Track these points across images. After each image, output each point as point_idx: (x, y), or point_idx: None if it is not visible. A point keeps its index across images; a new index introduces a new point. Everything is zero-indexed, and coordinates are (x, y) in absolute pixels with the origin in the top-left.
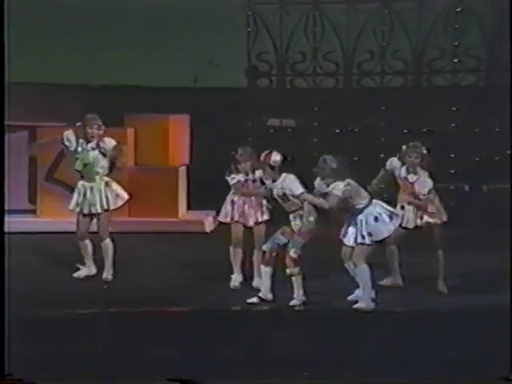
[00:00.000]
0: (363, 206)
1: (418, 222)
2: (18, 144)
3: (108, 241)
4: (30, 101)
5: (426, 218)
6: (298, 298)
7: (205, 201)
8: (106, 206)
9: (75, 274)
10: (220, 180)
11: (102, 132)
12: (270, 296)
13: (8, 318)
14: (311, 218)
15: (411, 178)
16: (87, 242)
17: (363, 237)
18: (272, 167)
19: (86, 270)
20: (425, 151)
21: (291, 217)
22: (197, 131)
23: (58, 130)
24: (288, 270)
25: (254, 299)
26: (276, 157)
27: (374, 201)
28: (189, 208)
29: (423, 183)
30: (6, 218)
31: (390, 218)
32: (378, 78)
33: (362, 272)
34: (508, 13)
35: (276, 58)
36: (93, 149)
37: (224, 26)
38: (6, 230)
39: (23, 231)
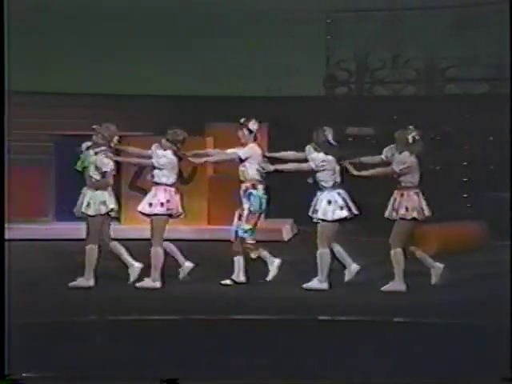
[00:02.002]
0: (327, 186)
1: (394, 214)
2: None
3: (114, 243)
4: (122, 112)
5: (402, 212)
6: (272, 270)
7: (282, 209)
8: (84, 211)
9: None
10: (297, 188)
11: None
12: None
13: (8, 320)
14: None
15: (392, 157)
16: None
17: (315, 212)
18: (250, 131)
19: (82, 280)
20: (415, 136)
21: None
22: (274, 140)
23: (146, 140)
24: (252, 255)
25: (228, 281)
26: (254, 124)
27: (339, 189)
28: (267, 216)
29: (399, 159)
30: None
31: (341, 208)
32: (461, 85)
33: (321, 256)
34: None
35: (355, 66)
36: (95, 154)
37: (302, 35)
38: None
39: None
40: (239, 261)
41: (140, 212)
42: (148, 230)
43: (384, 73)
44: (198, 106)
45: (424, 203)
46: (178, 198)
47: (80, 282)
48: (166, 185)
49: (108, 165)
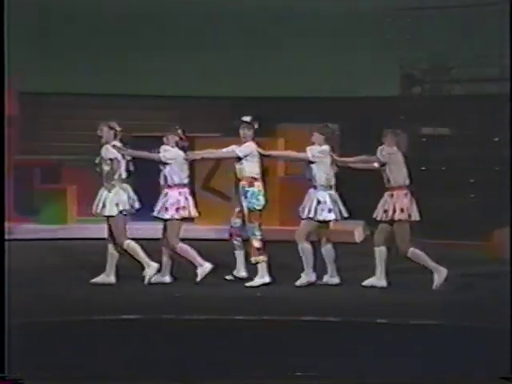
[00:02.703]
0: (320, 184)
1: (383, 216)
2: None
3: (128, 242)
4: (190, 113)
5: (390, 213)
6: (257, 279)
7: (354, 211)
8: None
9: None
10: (369, 189)
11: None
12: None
13: (8, 321)
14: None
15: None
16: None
17: (308, 212)
18: (250, 128)
19: (103, 276)
20: (399, 135)
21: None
22: (345, 140)
23: (215, 141)
24: (252, 259)
25: (229, 276)
26: (253, 121)
27: (331, 191)
28: None
29: (382, 149)
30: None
31: (330, 211)
32: None
33: (303, 251)
34: None
35: (430, 65)
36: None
37: (374, 34)
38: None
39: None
40: (240, 256)
41: (155, 217)
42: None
43: (460, 71)
44: (270, 107)
45: (413, 205)
46: (191, 200)
47: (101, 278)
48: (180, 185)
49: (113, 153)
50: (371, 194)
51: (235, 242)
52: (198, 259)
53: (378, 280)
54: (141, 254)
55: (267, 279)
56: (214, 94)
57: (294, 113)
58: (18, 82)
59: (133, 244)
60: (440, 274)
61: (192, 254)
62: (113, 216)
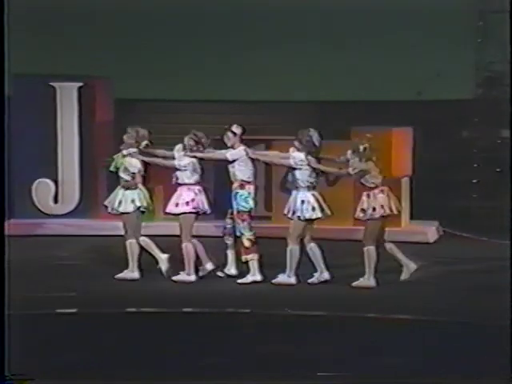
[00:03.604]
0: (303, 186)
1: (361, 215)
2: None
3: (143, 238)
4: (266, 116)
5: (369, 212)
6: (249, 276)
7: (427, 211)
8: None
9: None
10: (443, 190)
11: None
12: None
13: (8, 317)
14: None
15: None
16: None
17: (294, 212)
18: (234, 133)
19: (127, 272)
20: (366, 146)
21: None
22: (421, 143)
23: (290, 144)
24: (242, 258)
25: (221, 273)
26: (237, 128)
27: (314, 191)
28: (411, 218)
29: (351, 164)
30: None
31: (314, 209)
32: None
33: (291, 252)
34: None
35: (508, 67)
36: (123, 156)
37: (450, 37)
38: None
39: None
40: (231, 254)
41: (167, 213)
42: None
43: None
44: (344, 111)
45: (391, 200)
46: (203, 196)
47: (125, 274)
48: (189, 184)
49: (136, 166)
50: (447, 194)
51: (227, 241)
52: (205, 257)
53: (367, 280)
54: (154, 249)
55: (258, 277)
56: (292, 98)
57: (368, 116)
58: (112, 89)
59: (147, 240)
60: (409, 269)
61: (201, 249)
62: (128, 213)
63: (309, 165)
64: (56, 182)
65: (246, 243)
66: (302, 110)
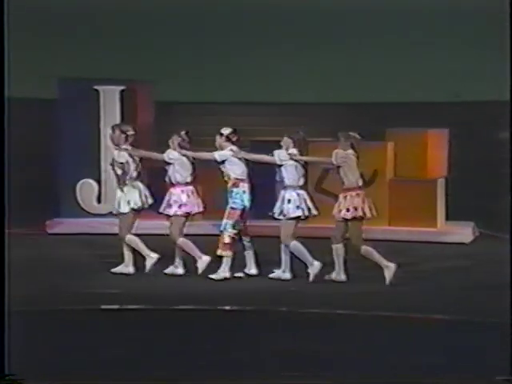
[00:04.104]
0: (289, 185)
1: (337, 215)
2: None
3: (129, 237)
4: (304, 118)
5: (343, 212)
6: (219, 272)
7: (463, 212)
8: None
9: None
10: (479, 192)
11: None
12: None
13: (8, 317)
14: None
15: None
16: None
17: (281, 212)
18: (221, 134)
19: (122, 267)
20: (351, 140)
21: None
22: (456, 144)
23: (327, 145)
24: (218, 251)
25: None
26: (226, 130)
27: (300, 191)
28: (447, 219)
29: (335, 153)
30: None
31: (297, 207)
32: None
33: (294, 248)
34: None
35: None
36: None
37: (487, 38)
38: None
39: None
40: (249, 255)
41: (160, 213)
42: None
43: None
44: (380, 112)
45: (365, 204)
46: (195, 196)
47: (121, 268)
48: (182, 184)
49: (123, 157)
50: (483, 195)
51: (245, 243)
52: (197, 252)
53: (337, 275)
54: (140, 246)
55: (227, 274)
56: (327, 100)
57: (404, 117)
58: (152, 92)
59: (133, 237)
60: (389, 270)
61: (191, 247)
62: (125, 213)
63: (292, 158)
64: (99, 183)
65: (226, 239)
66: (337, 111)
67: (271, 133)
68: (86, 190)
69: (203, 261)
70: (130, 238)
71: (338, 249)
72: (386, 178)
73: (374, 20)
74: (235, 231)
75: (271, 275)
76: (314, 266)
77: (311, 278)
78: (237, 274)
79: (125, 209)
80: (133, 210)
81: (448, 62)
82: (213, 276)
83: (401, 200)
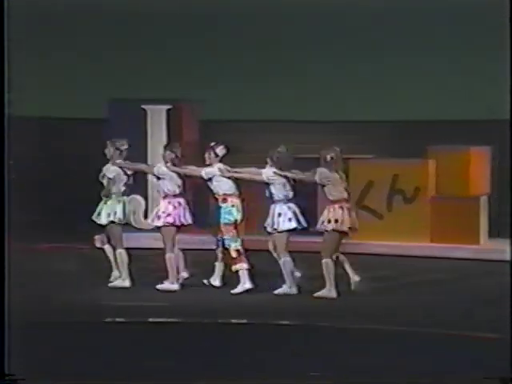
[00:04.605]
0: (278, 200)
1: (321, 227)
2: None
3: (121, 251)
4: (344, 136)
5: (325, 224)
6: (239, 286)
7: (506, 229)
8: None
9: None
10: None
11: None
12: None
13: (10, 319)
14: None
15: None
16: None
17: (272, 224)
18: (216, 155)
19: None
20: (333, 156)
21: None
22: (499, 161)
23: (368, 162)
24: (232, 268)
25: (205, 281)
26: (222, 150)
27: (290, 204)
28: (490, 236)
29: (318, 172)
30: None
31: (290, 220)
32: None
33: (284, 264)
34: None
35: None
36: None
37: None
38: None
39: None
40: (219, 267)
41: (150, 224)
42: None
43: None
44: (420, 130)
45: (347, 216)
46: (183, 208)
47: (118, 282)
48: (170, 196)
49: (113, 172)
50: None
51: (217, 253)
52: (174, 273)
53: (329, 292)
54: (125, 266)
55: (248, 285)
56: (370, 118)
57: (446, 135)
58: (197, 111)
59: (124, 254)
60: (354, 280)
61: (171, 265)
62: (106, 225)
63: (279, 175)
64: (146, 199)
65: (233, 254)
66: (380, 129)
67: (312, 150)
68: (133, 205)
69: (181, 276)
70: (120, 252)
71: (328, 264)
72: (427, 196)
73: (413, 39)
74: (237, 244)
75: (276, 291)
76: (291, 290)
77: (277, 292)
78: (204, 281)
79: (103, 220)
80: (112, 222)
81: (487, 80)
82: (235, 290)
83: (443, 217)
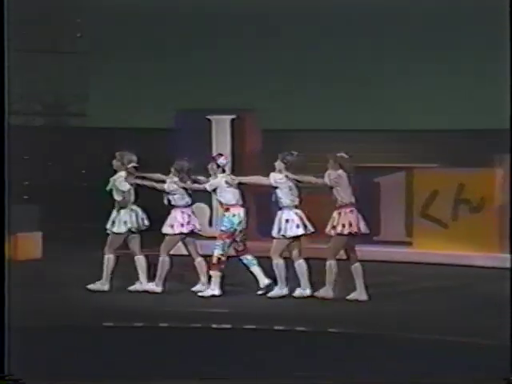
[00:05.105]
0: (285, 205)
1: (332, 232)
2: (396, 183)
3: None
4: (407, 145)
5: (339, 229)
6: (208, 290)
7: None
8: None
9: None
10: None
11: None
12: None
13: (8, 321)
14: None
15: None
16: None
17: (279, 230)
18: (218, 166)
19: (99, 284)
20: (343, 157)
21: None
22: None
23: (433, 171)
24: (211, 272)
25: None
26: (224, 160)
27: (297, 210)
28: None
29: (328, 173)
30: (385, 248)
31: (298, 226)
32: None
33: (277, 266)
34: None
35: None
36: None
37: None
38: (382, 258)
39: (398, 260)
40: (256, 270)
41: (164, 234)
42: (437, 256)
43: None
44: (487, 139)
45: (359, 220)
46: (195, 218)
47: (97, 286)
48: (182, 206)
49: (125, 186)
50: None
51: (245, 261)
52: (158, 276)
53: (360, 295)
54: (141, 271)
55: (217, 292)
56: (434, 127)
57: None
58: (260, 120)
59: (142, 260)
60: (327, 292)
61: (160, 268)
62: (121, 233)
63: (287, 177)
64: (211, 207)
65: (214, 260)
66: (445, 138)
67: (376, 159)
68: (198, 213)
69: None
70: (138, 258)
71: (332, 265)
72: (494, 205)
73: (481, 47)
74: (222, 253)
75: (270, 294)
76: (280, 291)
77: (261, 292)
78: (258, 292)
79: (121, 229)
80: (129, 230)
81: None
82: (202, 294)
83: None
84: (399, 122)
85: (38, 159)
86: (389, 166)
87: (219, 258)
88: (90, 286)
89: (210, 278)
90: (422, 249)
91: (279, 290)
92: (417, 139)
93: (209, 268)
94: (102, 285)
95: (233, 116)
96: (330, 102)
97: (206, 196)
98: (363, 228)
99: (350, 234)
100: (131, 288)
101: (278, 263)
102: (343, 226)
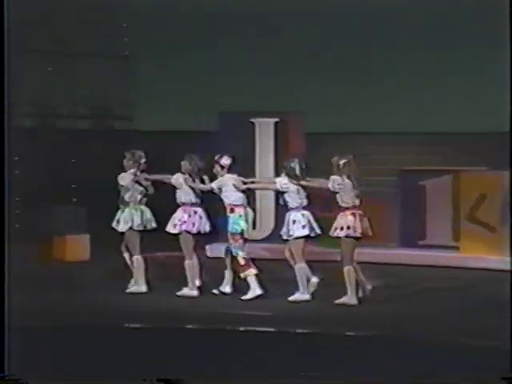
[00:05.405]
0: (293, 207)
1: (335, 234)
2: (442, 186)
3: (137, 257)
4: (455, 147)
5: (341, 231)
6: (250, 292)
7: None
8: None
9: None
10: None
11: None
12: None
13: (8, 321)
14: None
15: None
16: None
17: (288, 233)
18: (222, 167)
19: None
20: (345, 162)
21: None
22: None
23: (480, 174)
24: (241, 275)
25: (215, 291)
26: (226, 160)
27: (304, 211)
28: None
29: (332, 179)
30: (431, 253)
31: (304, 227)
32: None
33: (298, 270)
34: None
35: None
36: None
37: None
38: (428, 263)
39: (444, 265)
40: (228, 274)
41: (168, 232)
42: (484, 261)
43: None
44: None
45: (359, 222)
46: (198, 217)
47: (133, 288)
48: (186, 204)
49: (125, 180)
50: None
51: (226, 262)
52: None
53: (349, 299)
54: (141, 272)
55: (258, 291)
56: (477, 130)
57: None
58: (303, 123)
59: (141, 260)
60: (365, 289)
61: (190, 272)
62: (124, 232)
63: (292, 182)
64: (254, 210)
65: (241, 261)
66: (493, 140)
67: (418, 162)
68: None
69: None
70: (137, 258)
71: (350, 271)
72: None
73: None
74: (243, 253)
75: (291, 298)
76: (305, 296)
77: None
78: (213, 291)
79: (123, 228)
80: (131, 228)
81: None
82: (245, 297)
83: None
84: (444, 123)
85: (85, 162)
86: (435, 168)
87: (245, 258)
88: (128, 290)
89: (244, 279)
90: (469, 253)
91: (301, 295)
92: (463, 142)
93: (240, 271)
94: (139, 286)
95: (276, 119)
96: (368, 103)
97: (249, 199)
98: (364, 231)
99: (347, 236)
100: (179, 293)
101: (300, 267)
102: (341, 228)
